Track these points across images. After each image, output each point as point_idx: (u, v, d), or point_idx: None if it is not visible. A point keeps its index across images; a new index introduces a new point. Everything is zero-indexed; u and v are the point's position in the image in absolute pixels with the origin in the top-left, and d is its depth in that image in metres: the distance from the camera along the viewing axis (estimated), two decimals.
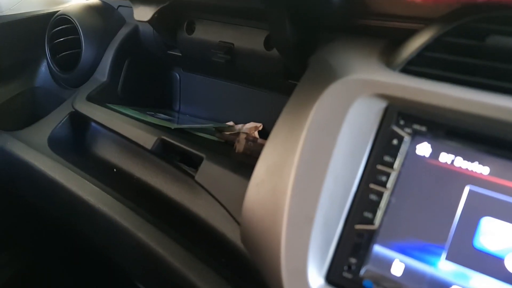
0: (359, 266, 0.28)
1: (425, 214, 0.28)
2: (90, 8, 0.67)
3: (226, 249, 0.43)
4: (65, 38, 0.67)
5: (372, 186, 0.29)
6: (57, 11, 0.69)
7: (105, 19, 0.67)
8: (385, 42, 0.36)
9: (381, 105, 0.30)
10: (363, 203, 0.29)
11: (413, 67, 0.31)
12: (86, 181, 0.53)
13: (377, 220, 0.29)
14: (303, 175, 0.31)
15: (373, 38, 0.38)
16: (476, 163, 0.28)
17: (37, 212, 0.75)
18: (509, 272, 0.25)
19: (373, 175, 0.29)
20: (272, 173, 0.33)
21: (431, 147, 0.29)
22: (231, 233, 0.43)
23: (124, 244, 0.48)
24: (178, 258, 0.43)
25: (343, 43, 0.39)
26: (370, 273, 0.28)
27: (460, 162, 0.28)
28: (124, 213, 0.47)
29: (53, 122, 0.64)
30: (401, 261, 0.28)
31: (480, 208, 0.27)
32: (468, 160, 0.28)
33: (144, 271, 0.51)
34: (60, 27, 0.67)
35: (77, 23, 0.65)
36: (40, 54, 0.72)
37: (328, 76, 0.33)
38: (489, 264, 0.26)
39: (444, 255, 0.27)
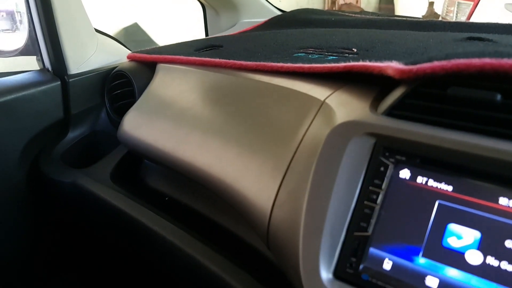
0: (358, 263, 0.38)
1: (406, 222, 0.37)
2: (142, 65, 0.81)
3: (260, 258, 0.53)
4: (121, 90, 0.80)
5: (366, 202, 0.39)
6: (115, 67, 0.83)
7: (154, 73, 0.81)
8: (377, 90, 0.46)
9: (371, 141, 0.40)
10: (360, 216, 0.39)
11: (395, 111, 0.41)
12: (143, 207, 0.64)
13: (371, 228, 0.38)
14: (314, 197, 0.40)
15: (370, 86, 0.48)
16: (443, 183, 0.37)
17: (100, 237, 0.87)
18: (468, 264, 0.34)
19: (366, 194, 0.39)
20: (291, 197, 0.43)
21: (410, 172, 0.38)
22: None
23: (178, 261, 0.58)
24: (231, 274, 0.53)
25: (346, 90, 0.49)
26: (367, 269, 0.37)
27: (432, 183, 0.37)
28: (177, 233, 0.58)
29: (113, 160, 0.77)
30: (389, 259, 0.37)
31: (447, 216, 0.36)
32: (437, 181, 0.37)
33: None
34: (117, 81, 0.81)
35: (131, 77, 0.78)
36: (100, 103, 0.86)
37: (332, 121, 0.43)
38: (453, 258, 0.35)
39: (421, 253, 0.36)
